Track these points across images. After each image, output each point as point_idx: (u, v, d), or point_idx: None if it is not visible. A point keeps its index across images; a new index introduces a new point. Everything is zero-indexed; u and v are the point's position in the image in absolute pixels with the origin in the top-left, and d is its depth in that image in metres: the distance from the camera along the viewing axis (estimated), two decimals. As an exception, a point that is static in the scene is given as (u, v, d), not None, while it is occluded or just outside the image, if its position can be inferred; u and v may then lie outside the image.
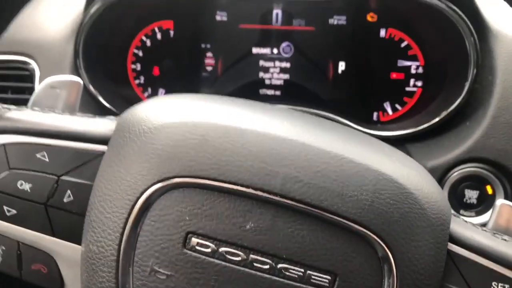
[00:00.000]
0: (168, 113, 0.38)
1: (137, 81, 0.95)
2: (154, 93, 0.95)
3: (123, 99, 0.91)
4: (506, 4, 0.80)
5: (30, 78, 0.86)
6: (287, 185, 0.34)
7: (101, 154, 0.40)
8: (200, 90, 0.95)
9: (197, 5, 0.90)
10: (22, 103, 0.84)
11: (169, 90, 0.95)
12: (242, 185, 0.35)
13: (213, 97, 0.42)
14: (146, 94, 0.96)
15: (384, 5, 0.88)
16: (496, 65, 0.76)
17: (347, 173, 0.35)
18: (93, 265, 0.36)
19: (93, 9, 0.81)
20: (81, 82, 0.49)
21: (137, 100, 0.94)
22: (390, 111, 0.92)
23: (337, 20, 0.89)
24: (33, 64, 0.85)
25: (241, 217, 0.35)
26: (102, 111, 0.85)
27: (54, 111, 0.44)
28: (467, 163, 0.77)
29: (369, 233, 0.34)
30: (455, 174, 0.78)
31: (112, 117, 0.44)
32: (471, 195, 0.79)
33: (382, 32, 0.89)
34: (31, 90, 0.86)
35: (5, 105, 0.45)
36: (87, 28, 0.81)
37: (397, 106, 0.92)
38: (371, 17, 0.89)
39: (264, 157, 0.35)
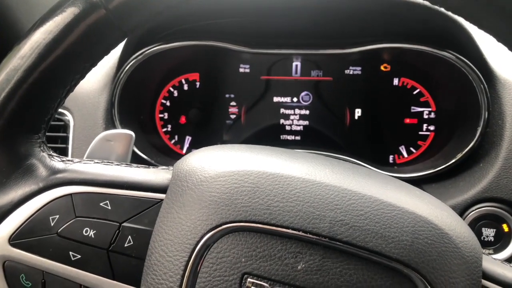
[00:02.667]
0: (220, 163, 0.42)
1: (164, 129, 1.00)
2: (181, 141, 1.00)
3: (151, 146, 0.95)
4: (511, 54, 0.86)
5: (63, 128, 0.92)
6: (334, 228, 0.38)
7: (159, 201, 0.43)
8: (224, 136, 0.99)
9: (222, 59, 0.97)
10: (58, 152, 0.89)
11: (195, 138, 1.00)
12: (292, 229, 0.38)
13: (259, 147, 0.46)
14: (172, 141, 1.00)
15: (396, 57, 0.94)
16: (505, 110, 0.81)
17: (387, 216, 0.39)
18: None
19: (127, 66, 0.87)
20: (133, 134, 0.54)
21: (164, 147, 0.99)
22: (405, 154, 0.96)
23: (353, 70, 0.94)
24: (68, 116, 0.90)
25: (292, 258, 0.38)
26: (133, 158, 0.90)
27: (112, 162, 0.48)
28: (482, 203, 0.80)
29: (410, 271, 0.37)
30: (472, 213, 0.80)
31: (164, 167, 0.48)
32: (488, 233, 0.81)
33: (395, 81, 0.95)
34: (64, 140, 0.91)
35: (64, 157, 0.49)
36: (122, 83, 0.87)
37: (412, 149, 0.96)
38: (384, 68, 0.95)
39: (311, 202, 0.39)
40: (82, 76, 0.46)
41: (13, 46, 0.42)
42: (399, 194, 0.42)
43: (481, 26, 0.40)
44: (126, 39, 0.85)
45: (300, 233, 0.38)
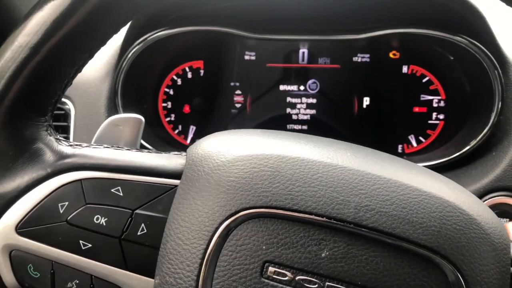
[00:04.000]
0: (238, 147, 0.40)
1: (167, 119, 0.98)
2: (185, 130, 0.98)
3: (154, 136, 0.93)
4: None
5: (64, 117, 0.89)
6: (360, 214, 0.36)
7: (173, 187, 0.41)
8: (229, 126, 0.97)
9: (226, 45, 0.94)
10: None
11: (200, 127, 0.98)
12: (316, 214, 0.36)
13: (276, 132, 0.44)
14: (176, 132, 0.98)
15: (405, 44, 0.92)
16: (519, 97, 0.80)
17: (414, 201, 0.37)
18: None
19: (130, 53, 0.85)
20: (143, 119, 0.52)
21: (168, 137, 0.96)
22: (414, 143, 0.94)
23: (361, 58, 0.92)
24: (69, 104, 0.88)
25: (316, 245, 0.36)
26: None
27: (122, 147, 0.46)
28: (495, 192, 0.79)
29: (439, 258, 0.35)
30: (485, 203, 0.79)
31: (177, 152, 0.46)
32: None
33: (405, 69, 0.93)
34: (65, 129, 0.89)
35: (72, 142, 0.47)
36: (125, 70, 0.84)
37: (421, 138, 0.94)
38: (393, 55, 0.93)
39: (335, 187, 0.37)
40: (91, 56, 0.43)
41: (19, 22, 0.40)
42: (425, 179, 0.40)
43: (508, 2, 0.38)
44: (132, 20, 0.82)
45: (324, 219, 0.36)
